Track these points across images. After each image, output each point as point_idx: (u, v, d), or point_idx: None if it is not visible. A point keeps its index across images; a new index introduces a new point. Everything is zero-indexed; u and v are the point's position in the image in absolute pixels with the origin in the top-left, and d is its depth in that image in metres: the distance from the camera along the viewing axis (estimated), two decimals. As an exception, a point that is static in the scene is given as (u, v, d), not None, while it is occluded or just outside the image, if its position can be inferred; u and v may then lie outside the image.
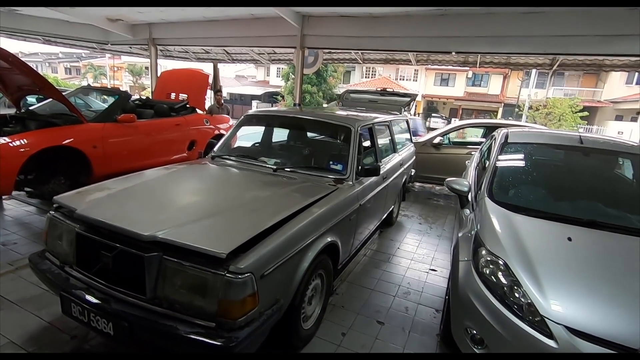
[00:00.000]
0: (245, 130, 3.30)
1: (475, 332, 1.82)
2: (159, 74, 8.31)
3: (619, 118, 24.37)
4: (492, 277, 1.84)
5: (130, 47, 9.37)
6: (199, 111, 5.28)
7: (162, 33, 7.74)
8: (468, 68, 25.55)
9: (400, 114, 4.87)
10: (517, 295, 1.72)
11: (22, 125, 3.61)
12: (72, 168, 3.64)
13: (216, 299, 1.50)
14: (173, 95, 5.46)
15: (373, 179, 2.94)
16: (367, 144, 3.36)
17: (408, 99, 5.25)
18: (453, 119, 24.68)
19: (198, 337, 1.46)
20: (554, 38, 4.70)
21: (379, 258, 3.56)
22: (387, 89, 5.68)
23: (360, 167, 2.74)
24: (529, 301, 1.65)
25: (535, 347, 1.55)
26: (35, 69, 3.33)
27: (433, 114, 28.49)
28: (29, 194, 3.75)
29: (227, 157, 2.94)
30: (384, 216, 3.83)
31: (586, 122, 21.76)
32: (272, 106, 28.21)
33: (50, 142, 3.27)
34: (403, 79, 30.02)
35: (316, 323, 2.27)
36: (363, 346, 2.24)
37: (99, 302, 1.64)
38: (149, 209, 1.89)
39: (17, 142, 3.14)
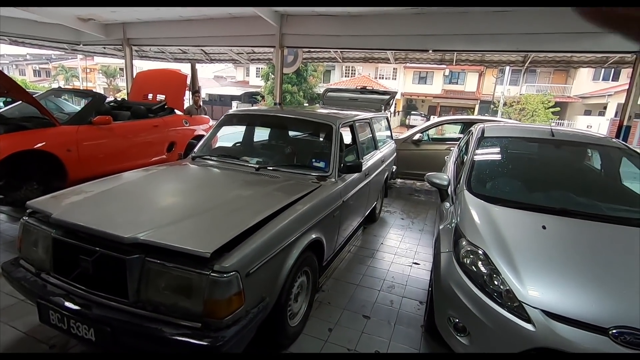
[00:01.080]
0: (225, 130, 3.28)
1: (457, 320, 1.88)
2: (134, 75, 8.13)
3: (587, 113, 25.48)
4: (473, 266, 1.90)
5: (104, 48, 9.09)
6: (177, 112, 5.18)
7: (137, 33, 7.56)
8: (445, 66, 26.11)
9: (381, 111, 4.95)
10: (496, 282, 1.78)
11: (-10, 129, 3.45)
12: (46, 173, 3.51)
13: (201, 299, 1.49)
14: (150, 97, 5.34)
15: (355, 175, 2.98)
16: (348, 141, 3.40)
17: (388, 96, 5.33)
18: (432, 116, 25.20)
19: (184, 339, 1.45)
20: (526, 36, 4.87)
21: (363, 254, 3.60)
22: (367, 88, 5.74)
23: (342, 164, 2.76)
24: (507, 288, 1.72)
25: (514, 331, 1.61)
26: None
27: (412, 112, 28.98)
28: (-1, 202, 3.60)
29: (209, 157, 2.91)
30: (367, 212, 3.87)
31: (558, 117, 22.64)
32: (252, 106, 27.98)
33: (21, 146, 3.14)
34: (382, 78, 30.34)
35: (303, 320, 2.28)
36: (350, 341, 2.26)
37: (79, 308, 1.60)
38: (128, 211, 1.85)
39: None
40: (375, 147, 4.06)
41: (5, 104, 4.98)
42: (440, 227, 2.40)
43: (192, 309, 1.51)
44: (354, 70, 31.87)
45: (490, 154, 2.82)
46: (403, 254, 3.67)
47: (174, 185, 2.37)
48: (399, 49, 6.21)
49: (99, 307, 1.60)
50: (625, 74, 24.96)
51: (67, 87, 29.21)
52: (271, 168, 2.65)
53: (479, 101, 28.34)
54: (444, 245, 2.15)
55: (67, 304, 1.63)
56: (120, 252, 1.56)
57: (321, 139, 2.95)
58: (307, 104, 24.79)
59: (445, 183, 2.74)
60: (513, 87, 25.91)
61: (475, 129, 3.35)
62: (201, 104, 6.76)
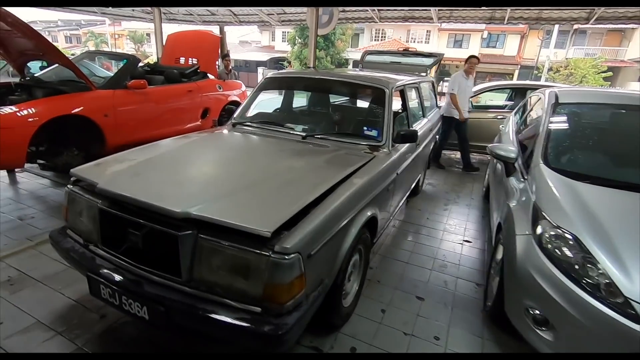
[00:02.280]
0: (262, 95, 3.05)
1: (538, 312, 1.67)
2: (164, 38, 7.93)
3: (642, 79, 23.21)
4: (559, 253, 1.65)
5: (133, 10, 8.87)
6: (210, 76, 4.98)
7: (166, -7, 7.26)
8: (484, 26, 24.23)
9: (426, 75, 4.55)
10: (591, 273, 1.54)
11: (28, 94, 3.39)
12: (84, 139, 3.46)
13: (261, 281, 1.34)
14: (182, 60, 5.15)
15: (407, 145, 2.71)
16: (397, 107, 3.10)
17: (433, 59, 4.89)
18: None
19: (244, 324, 1.32)
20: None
21: (409, 229, 3.39)
22: (410, 49, 5.29)
23: (396, 133, 2.50)
24: (609, 281, 1.47)
25: (617, 331, 1.39)
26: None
27: (446, 78, 27.41)
28: (42, 167, 3.61)
29: (250, 123, 2.71)
30: (413, 185, 3.63)
31: (609, 83, 20.74)
32: (279, 72, 27.34)
33: (60, 110, 3.06)
34: (414, 41, 28.63)
35: (355, 300, 2.14)
36: (405, 323, 2.11)
37: (131, 284, 1.50)
38: (176, 182, 1.71)
39: (25, 112, 2.94)
40: (423, 115, 3.73)
41: (41, 68, 4.93)
42: (511, 206, 2.13)
43: (250, 291, 1.37)
44: (384, 34, 30.23)
45: (568, 123, 2.46)
46: (452, 230, 3.43)
47: (218, 153, 2.21)
48: (446, 6, 5.60)
49: (150, 284, 1.50)
50: (692, 34, 22.33)
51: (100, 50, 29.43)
52: (319, 136, 2.43)
53: (519, 66, 26.35)
54: (520, 227, 1.89)
55: (118, 279, 1.54)
56: (172, 228, 1.42)
57: (372, 105, 2.68)
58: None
59: (513, 155, 2.43)
60: (560, 51, 23.82)
61: (544, 95, 2.95)
62: (232, 68, 6.53)
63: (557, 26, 16.48)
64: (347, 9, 6.95)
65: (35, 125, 2.92)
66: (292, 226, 1.42)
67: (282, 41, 31.26)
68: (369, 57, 5.19)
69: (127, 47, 37.90)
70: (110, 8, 8.29)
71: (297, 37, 24.85)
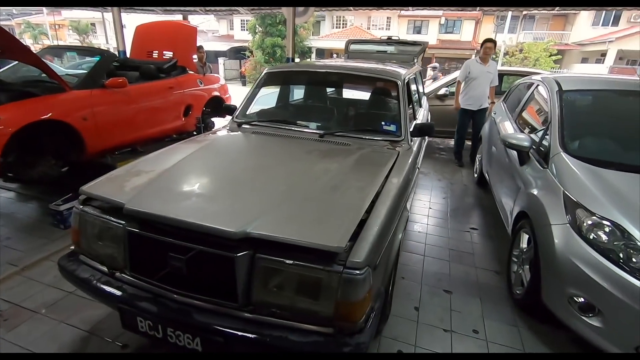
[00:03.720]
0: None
1: (583, 299, 1.71)
2: (124, 30, 7.31)
3: (584, 61, 24.97)
4: (601, 240, 1.70)
5: (85, -1, 8.08)
6: (189, 71, 4.65)
7: (123, -20, 6.66)
8: (467, 13, 24.79)
9: (414, 64, 4.53)
10: (635, 259, 1.59)
11: (-11, 98, 2.96)
12: (61, 145, 3.09)
13: (333, 300, 1.24)
14: (156, 54, 4.75)
15: (419, 138, 2.68)
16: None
17: (419, 47, 4.88)
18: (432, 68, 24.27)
19: (320, 348, 1.22)
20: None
21: (415, 220, 3.40)
22: (392, 37, 5.24)
23: (412, 126, 2.45)
24: (656, 266, 1.52)
25: (670, 315, 1.44)
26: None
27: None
28: (7, 179, 3.19)
29: (258, 123, 2.54)
30: (416, 176, 3.62)
31: (559, 65, 22.12)
32: (240, 63, 26.52)
33: (34, 116, 2.69)
34: (376, 28, 28.81)
35: (390, 300, 2.09)
36: (442, 320, 2.10)
37: (177, 314, 1.34)
38: (214, 196, 1.54)
39: (-9, 119, 2.55)
40: (420, 105, 3.72)
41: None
42: (536, 194, 2.16)
43: (320, 311, 1.26)
44: (345, 21, 30.12)
45: (576, 110, 2.53)
46: (456, 218, 3.48)
47: (242, 159, 2.03)
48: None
49: (200, 312, 1.34)
50: (626, 18, 24.29)
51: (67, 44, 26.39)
52: (339, 134, 2.32)
53: (475, 51, 27.38)
54: (554, 217, 1.92)
55: (159, 309, 1.37)
56: (226, 249, 1.27)
57: (386, 98, 2.60)
58: (298, 59, 23.51)
59: (527, 144, 2.47)
60: (511, 35, 24.98)
61: (542, 82, 3.02)
62: (206, 61, 6.17)
63: (510, 12, 17.20)
64: (321, -4, 6.75)
65: (6, 134, 2.55)
66: (353, 237, 1.33)
67: (242, 30, 30.18)
68: (353, 47, 5.08)
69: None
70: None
71: (257, 26, 24.07)
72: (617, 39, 21.11)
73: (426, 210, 3.64)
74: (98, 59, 3.54)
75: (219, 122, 5.71)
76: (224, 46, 30.70)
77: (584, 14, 24.28)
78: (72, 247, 1.66)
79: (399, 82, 2.55)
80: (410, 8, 6.50)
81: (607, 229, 1.71)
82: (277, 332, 1.26)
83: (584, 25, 25.12)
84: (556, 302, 1.84)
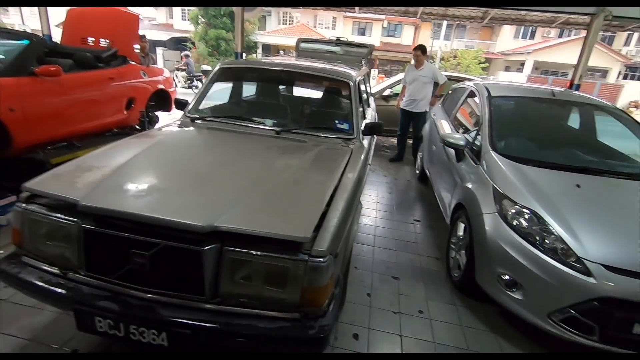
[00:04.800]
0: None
1: (508, 277, 1.99)
2: (49, 12, 6.60)
3: (507, 69, 27.82)
4: (523, 226, 1.99)
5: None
6: (131, 62, 4.38)
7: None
8: (384, 17, 25.91)
9: (362, 65, 4.75)
10: (547, 241, 1.89)
11: None
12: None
13: (299, 287, 1.32)
14: (91, 41, 4.39)
15: (369, 136, 2.86)
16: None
17: (366, 49, 5.12)
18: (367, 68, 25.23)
19: (287, 333, 1.30)
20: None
21: (365, 213, 3.60)
22: (341, 39, 5.42)
23: (364, 125, 2.61)
24: (563, 246, 1.83)
25: (574, 284, 1.75)
26: None
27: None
28: None
29: (212, 118, 2.52)
30: (364, 172, 3.83)
31: (487, 72, 24.33)
32: (181, 53, 25.14)
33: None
34: (322, 27, 29.19)
35: (345, 287, 2.23)
36: (392, 303, 2.30)
37: (140, 310, 1.33)
38: (176, 190, 1.53)
39: None
40: (368, 104, 3.93)
41: None
42: (470, 187, 2.45)
43: (286, 298, 1.34)
44: (292, 18, 30.09)
45: (503, 114, 2.89)
46: (401, 211, 3.76)
47: (201, 154, 2.02)
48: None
49: (165, 307, 1.35)
50: (540, 33, 27.51)
51: None
52: (294, 131, 2.40)
53: (414, 55, 29.01)
54: (486, 207, 2.20)
55: (120, 307, 1.34)
56: (192, 243, 1.29)
57: (338, 97, 2.73)
58: (245, 55, 22.97)
59: (463, 143, 2.77)
60: (446, 42, 26.94)
61: (474, 88, 3.38)
62: (148, 51, 5.84)
63: (445, 21, 18.59)
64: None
65: None
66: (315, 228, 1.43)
67: (182, 19, 28.67)
68: (303, 45, 5.18)
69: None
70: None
71: (200, 16, 23.05)
72: (533, 51, 23.81)
73: (374, 204, 3.87)
74: (26, 43, 3.20)
75: (163, 116, 5.46)
76: (163, 35, 28.82)
77: (507, 27, 27.00)
78: (13, 249, 1.54)
79: (351, 83, 2.70)
80: (372, 9, 6.69)
81: (526, 216, 2.01)
82: (245, 320, 1.32)
83: (507, 36, 27.97)
84: (487, 280, 2.12)
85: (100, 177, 1.57)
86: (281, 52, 27.94)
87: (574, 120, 3.23)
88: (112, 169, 1.64)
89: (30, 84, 2.97)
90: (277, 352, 1.47)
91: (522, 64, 25.93)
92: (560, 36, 25.72)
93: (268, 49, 27.04)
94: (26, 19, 26.36)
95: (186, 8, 26.45)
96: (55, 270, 1.45)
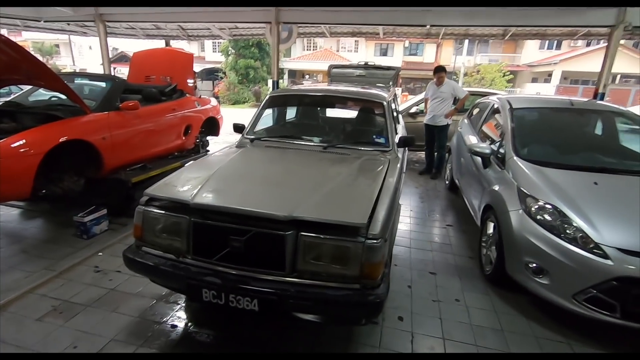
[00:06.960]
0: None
1: (535, 265, 2.26)
2: (106, 53, 7.56)
3: (534, 80, 27.47)
4: (546, 219, 2.27)
5: (68, 24, 8.29)
6: (187, 94, 5.04)
7: (110, 8, 6.99)
8: (430, 39, 26.54)
9: (389, 86, 5.17)
10: (569, 231, 2.16)
11: (13, 121, 3.22)
12: (81, 163, 3.38)
13: (358, 263, 1.69)
14: (153, 78, 5.11)
15: (402, 148, 3.23)
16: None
17: (393, 72, 5.55)
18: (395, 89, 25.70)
19: (351, 299, 1.66)
20: (518, 11, 5.27)
21: (400, 220, 3.91)
22: (369, 63, 5.90)
23: (397, 139, 2.99)
24: (582, 234, 2.10)
25: (594, 267, 2.00)
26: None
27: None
28: (37, 197, 3.39)
29: (268, 138, 3.00)
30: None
31: (512, 84, 24.18)
32: (214, 84, 26.76)
33: (63, 136, 2.99)
34: (345, 50, 30.25)
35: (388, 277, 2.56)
36: (430, 293, 2.59)
37: (237, 283, 1.74)
38: (261, 191, 1.98)
39: (21, 141, 2.82)
40: (398, 121, 4.31)
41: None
42: (497, 189, 2.75)
43: (348, 273, 1.71)
44: (315, 44, 31.41)
45: (525, 123, 3.18)
46: (434, 217, 4.05)
47: (268, 164, 2.50)
48: (398, 24, 6.37)
49: (255, 280, 1.75)
50: (567, 43, 27.12)
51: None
52: (339, 146, 2.81)
53: (437, 72, 29.27)
54: (512, 205, 2.50)
55: (222, 281, 1.76)
56: (278, 229, 1.70)
57: (374, 116, 3.15)
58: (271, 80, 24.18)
59: (488, 152, 3.08)
60: (469, 57, 27.11)
61: (501, 102, 3.68)
62: (196, 84, 6.56)
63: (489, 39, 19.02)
64: (302, 25, 7.41)
65: (40, 154, 2.84)
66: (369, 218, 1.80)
67: (213, 52, 30.69)
68: (335, 71, 5.69)
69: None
70: (42, 22, 7.67)
71: (230, 48, 24.66)
72: (560, 61, 23.47)
73: (408, 212, 4.19)
74: (110, 84, 3.88)
75: (212, 140, 6.08)
76: (196, 67, 30.82)
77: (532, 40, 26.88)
78: (135, 241, 2.02)
79: (385, 103, 3.11)
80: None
81: (549, 211, 2.29)
82: (317, 289, 1.70)
83: (532, 48, 27.78)
84: (516, 270, 2.39)
85: (198, 184, 2.04)
86: (306, 76, 29.09)
87: (597, 127, 3.47)
88: (205, 178, 2.11)
89: (116, 117, 3.60)
90: (340, 317, 1.82)
91: (550, 75, 25.56)
92: (588, 45, 25.27)
93: (293, 74, 28.25)
94: (77, 61, 29.15)
95: (217, 41, 28.32)
96: (170, 256, 1.90)
